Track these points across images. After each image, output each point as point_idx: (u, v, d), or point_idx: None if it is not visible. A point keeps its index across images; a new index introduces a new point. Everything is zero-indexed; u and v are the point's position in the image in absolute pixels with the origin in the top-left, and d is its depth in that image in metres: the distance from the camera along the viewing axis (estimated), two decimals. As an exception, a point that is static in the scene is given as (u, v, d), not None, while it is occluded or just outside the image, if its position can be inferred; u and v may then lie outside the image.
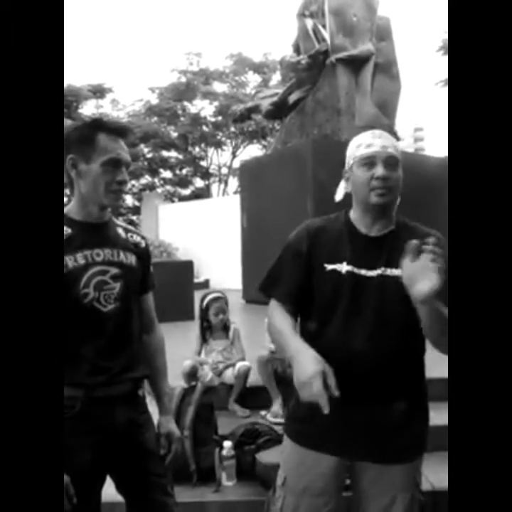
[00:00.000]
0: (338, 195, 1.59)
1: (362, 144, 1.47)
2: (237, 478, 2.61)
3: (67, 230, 1.44)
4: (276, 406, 3.22)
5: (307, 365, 1.28)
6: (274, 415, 3.18)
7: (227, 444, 2.62)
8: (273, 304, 1.55)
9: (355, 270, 1.45)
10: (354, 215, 1.53)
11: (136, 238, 1.62)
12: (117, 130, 1.46)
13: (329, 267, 1.46)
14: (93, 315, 1.44)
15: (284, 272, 1.54)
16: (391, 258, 1.43)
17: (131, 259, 1.55)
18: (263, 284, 1.59)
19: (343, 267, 1.45)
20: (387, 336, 1.41)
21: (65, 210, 1.50)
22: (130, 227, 1.67)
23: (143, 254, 1.62)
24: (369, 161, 1.44)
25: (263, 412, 3.25)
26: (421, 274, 1.21)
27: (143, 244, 1.63)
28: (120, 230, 1.59)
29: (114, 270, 1.49)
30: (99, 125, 1.44)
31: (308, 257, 1.50)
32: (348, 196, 1.56)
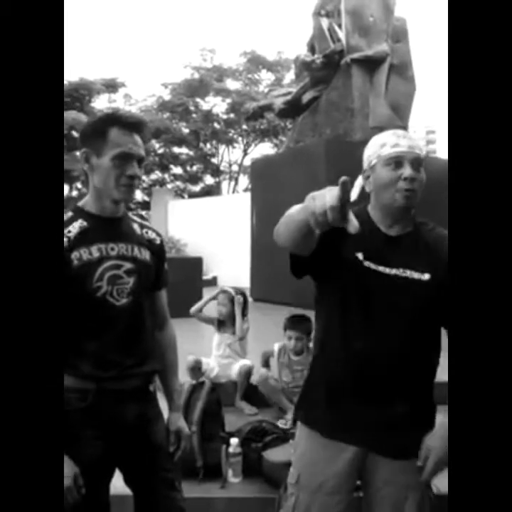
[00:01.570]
0: (353, 195, 1.56)
1: (387, 143, 1.43)
2: (243, 475, 2.62)
3: (82, 223, 1.45)
4: (290, 415, 3.12)
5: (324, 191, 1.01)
6: (286, 423, 3.13)
7: (234, 441, 2.62)
8: None
9: (372, 266, 1.43)
10: (373, 212, 1.51)
11: (151, 234, 1.62)
12: (132, 124, 1.45)
13: (347, 254, 1.43)
14: (106, 309, 1.45)
15: None
16: (409, 260, 1.42)
17: (146, 254, 1.56)
18: None
19: (360, 256, 1.43)
20: (398, 336, 1.41)
21: (81, 203, 1.51)
22: (146, 223, 1.67)
23: (157, 250, 1.62)
24: (395, 161, 1.40)
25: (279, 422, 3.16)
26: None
27: (158, 241, 1.63)
28: (135, 226, 1.60)
29: (128, 265, 1.49)
30: (113, 119, 1.43)
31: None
32: (360, 195, 1.54)
